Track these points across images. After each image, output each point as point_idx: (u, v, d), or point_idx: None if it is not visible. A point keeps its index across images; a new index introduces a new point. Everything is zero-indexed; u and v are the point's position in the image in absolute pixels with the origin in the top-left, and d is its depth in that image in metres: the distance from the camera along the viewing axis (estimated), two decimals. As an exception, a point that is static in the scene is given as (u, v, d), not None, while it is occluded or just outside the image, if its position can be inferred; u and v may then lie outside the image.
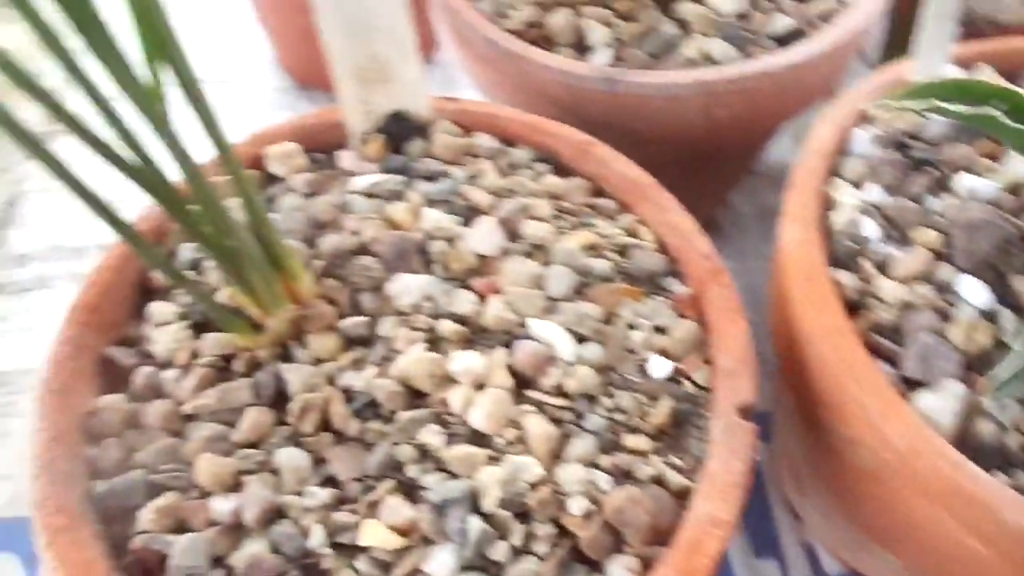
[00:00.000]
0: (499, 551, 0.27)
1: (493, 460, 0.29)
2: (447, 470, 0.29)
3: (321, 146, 0.40)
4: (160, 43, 0.24)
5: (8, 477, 0.50)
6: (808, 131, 0.39)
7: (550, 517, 0.28)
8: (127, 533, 0.29)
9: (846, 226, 0.35)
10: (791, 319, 0.34)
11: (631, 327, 0.33)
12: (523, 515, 0.28)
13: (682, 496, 0.29)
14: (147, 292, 0.35)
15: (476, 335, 0.32)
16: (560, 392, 0.30)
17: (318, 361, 0.32)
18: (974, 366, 0.31)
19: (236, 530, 0.28)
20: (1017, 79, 0.41)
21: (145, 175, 0.26)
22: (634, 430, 0.30)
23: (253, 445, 0.30)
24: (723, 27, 0.45)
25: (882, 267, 0.34)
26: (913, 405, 0.30)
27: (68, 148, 0.24)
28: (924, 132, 0.38)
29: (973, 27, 0.47)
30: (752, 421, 0.30)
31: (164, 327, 0.33)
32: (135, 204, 0.33)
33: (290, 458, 0.29)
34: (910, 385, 0.31)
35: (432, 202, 0.36)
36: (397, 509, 0.28)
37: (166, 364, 0.33)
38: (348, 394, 0.31)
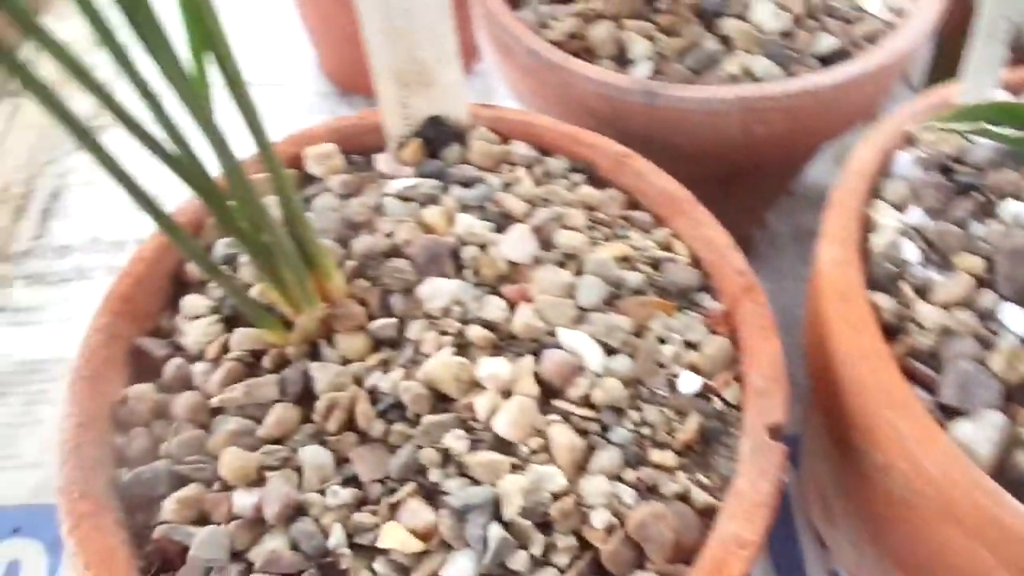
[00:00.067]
0: (519, 561, 0.27)
1: (516, 468, 0.29)
2: (470, 476, 0.28)
3: (359, 148, 0.40)
4: (206, 36, 0.24)
5: (37, 464, 0.50)
6: (849, 152, 0.39)
7: (572, 529, 0.28)
8: (149, 522, 0.29)
9: (886, 248, 0.35)
10: (826, 340, 0.33)
11: (662, 341, 0.32)
12: (544, 525, 0.28)
13: (707, 514, 0.28)
14: (181, 285, 0.36)
15: (504, 342, 0.32)
16: (587, 403, 0.30)
17: (346, 361, 0.32)
18: (1015, 396, 0.30)
19: (257, 525, 0.28)
20: (1068, 106, 0.40)
21: (187, 167, 0.26)
22: (661, 445, 0.30)
23: (278, 441, 0.30)
24: (766, 44, 0.45)
25: (922, 291, 0.33)
26: (950, 433, 0.29)
27: (113, 143, 0.25)
28: (969, 156, 0.38)
29: (1023, 52, 0.47)
30: (782, 441, 0.29)
31: (196, 320, 0.33)
32: (173, 200, 0.34)
33: (313, 456, 0.29)
34: (947, 413, 0.30)
35: (466, 207, 0.36)
36: (418, 512, 0.28)
37: (196, 357, 0.33)
38: (374, 395, 0.31)
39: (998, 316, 0.31)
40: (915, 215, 0.36)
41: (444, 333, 0.31)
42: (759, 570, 0.43)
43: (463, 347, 0.31)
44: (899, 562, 0.34)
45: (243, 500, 0.28)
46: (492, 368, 0.30)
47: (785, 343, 0.32)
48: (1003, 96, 0.40)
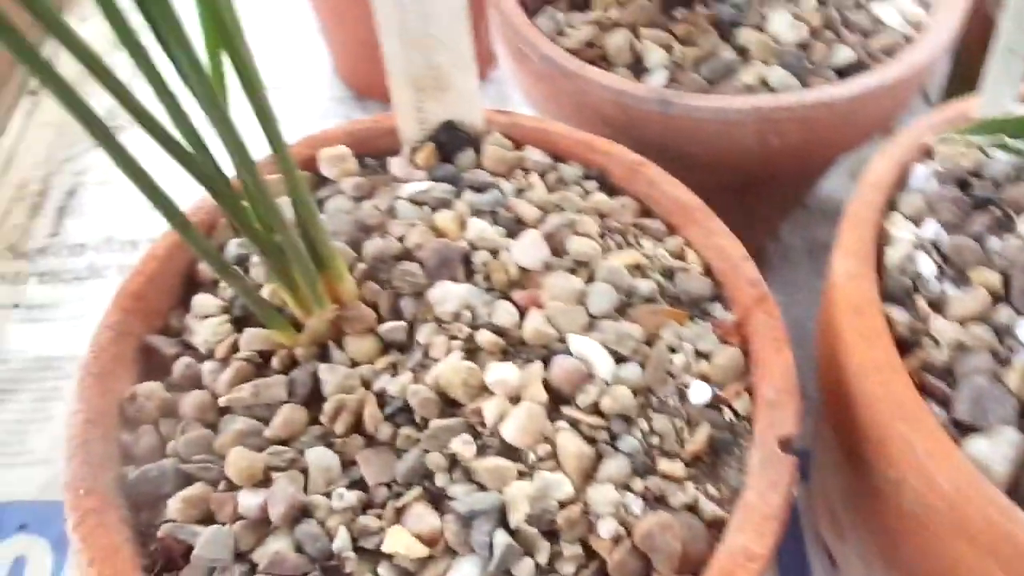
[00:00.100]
0: (524, 568, 0.26)
1: (523, 475, 0.28)
2: (476, 482, 0.28)
3: (373, 152, 0.40)
4: (223, 34, 0.24)
5: (46, 461, 0.51)
6: (865, 166, 0.38)
7: (578, 537, 0.27)
8: (154, 521, 0.29)
9: (901, 262, 0.34)
10: (839, 353, 0.33)
11: (672, 350, 0.32)
12: (551, 533, 0.27)
13: (716, 526, 0.28)
14: (192, 284, 0.36)
15: (514, 347, 0.32)
16: (596, 411, 0.30)
17: (355, 363, 0.32)
18: (1031, 413, 0.29)
19: (261, 526, 0.28)
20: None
21: (202, 166, 0.26)
22: (670, 455, 0.29)
23: (284, 442, 0.30)
24: (783, 55, 0.45)
25: (937, 305, 0.33)
26: (964, 449, 0.29)
27: (129, 144, 0.25)
28: (986, 170, 0.37)
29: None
30: (792, 454, 0.29)
31: (206, 319, 0.34)
32: (185, 202, 0.34)
33: (320, 458, 0.29)
34: (961, 429, 0.30)
35: (479, 212, 0.36)
36: (423, 517, 0.28)
37: (206, 356, 0.33)
38: (382, 398, 0.31)
39: (1015, 332, 0.31)
40: (931, 229, 0.36)
41: (454, 337, 0.31)
42: (767, 585, 0.43)
43: (472, 352, 0.31)
44: (910, 579, 0.33)
45: (248, 500, 0.28)
46: (501, 374, 0.30)
47: (797, 356, 0.32)
48: (1022, 110, 0.40)
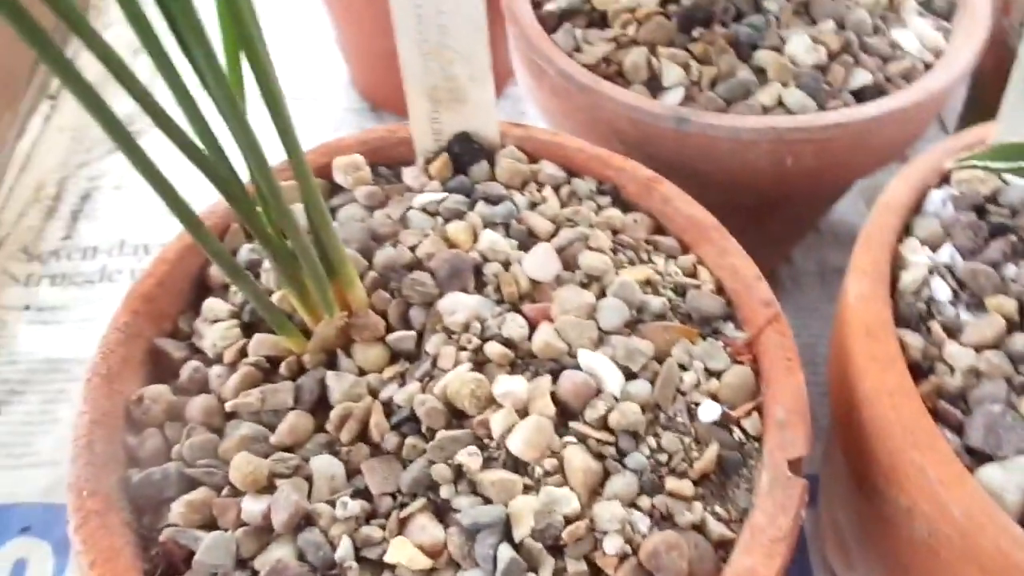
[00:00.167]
0: (527, 583, 0.26)
1: (529, 489, 0.28)
2: (481, 494, 0.28)
3: (387, 161, 0.40)
4: (242, 31, 0.24)
5: (51, 463, 0.50)
6: (880, 191, 0.38)
7: (583, 554, 0.27)
8: (157, 525, 0.29)
9: (916, 286, 0.34)
10: (851, 376, 0.32)
11: (682, 367, 0.32)
12: (555, 549, 0.27)
13: (723, 546, 0.28)
14: (203, 288, 0.36)
15: (523, 360, 0.31)
16: (604, 426, 0.30)
17: (362, 372, 0.32)
18: (1046, 443, 0.29)
19: (264, 533, 0.28)
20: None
21: (218, 169, 0.26)
22: (678, 473, 0.29)
23: (290, 449, 0.30)
24: (800, 77, 0.45)
25: (951, 331, 0.33)
26: (977, 477, 0.28)
27: (146, 148, 0.25)
28: (1003, 197, 0.37)
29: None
30: (802, 476, 0.29)
31: (215, 324, 0.33)
32: (198, 207, 0.34)
33: (324, 466, 0.29)
34: (974, 456, 0.29)
35: (491, 224, 0.36)
36: (427, 529, 0.27)
37: (214, 360, 0.33)
38: (389, 407, 0.30)
39: (1030, 360, 0.31)
40: (947, 253, 0.35)
41: (462, 348, 0.31)
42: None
43: (481, 363, 0.31)
44: (919, 609, 0.33)
45: (252, 507, 0.28)
46: (509, 386, 0.30)
47: (806, 381, 0.31)
48: (1041, 137, 0.39)
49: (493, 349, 0.31)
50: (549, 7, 0.49)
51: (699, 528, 0.28)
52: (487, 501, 0.28)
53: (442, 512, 0.28)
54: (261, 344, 0.32)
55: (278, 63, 0.26)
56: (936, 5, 0.51)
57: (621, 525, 0.27)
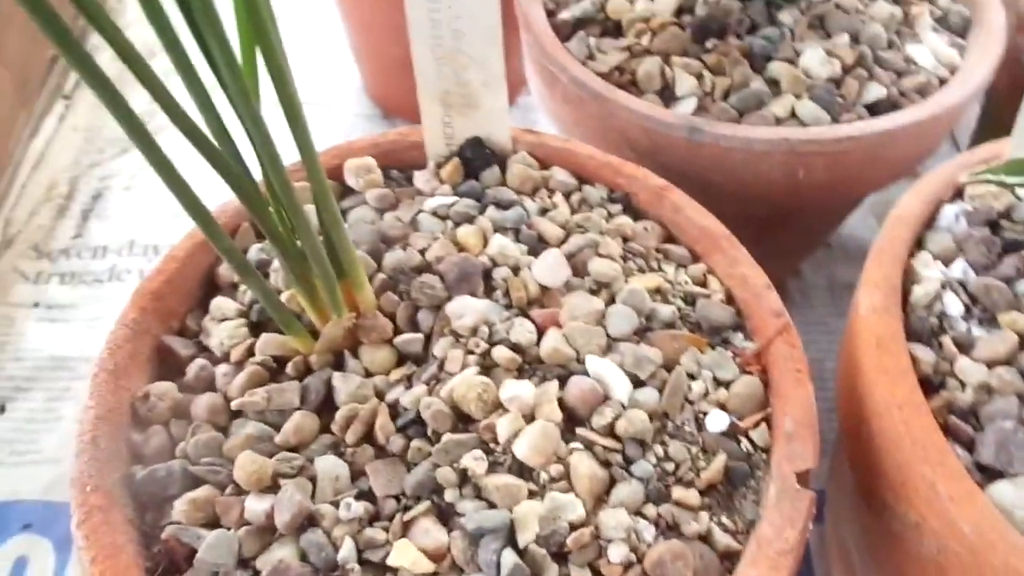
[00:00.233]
0: (530, 590, 0.26)
1: (534, 494, 0.28)
2: (486, 499, 0.28)
3: (398, 165, 0.40)
4: (258, 29, 0.24)
5: (55, 460, 0.50)
6: (891, 207, 0.38)
7: (587, 561, 0.27)
8: (159, 522, 0.29)
9: (928, 300, 0.34)
10: (860, 389, 0.32)
11: (691, 376, 0.32)
12: (559, 555, 0.27)
13: (728, 558, 0.27)
14: (211, 287, 0.36)
15: (530, 365, 0.31)
16: (611, 433, 0.29)
17: (369, 373, 0.31)
18: (1058, 460, 0.29)
19: (267, 532, 0.28)
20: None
21: (231, 167, 0.26)
22: (684, 482, 0.29)
23: (294, 449, 0.30)
24: (814, 89, 0.45)
25: (963, 346, 0.32)
26: (987, 494, 0.28)
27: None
28: (1017, 213, 0.37)
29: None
30: (810, 488, 0.28)
31: (223, 322, 0.33)
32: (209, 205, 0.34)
33: (329, 467, 0.29)
34: (985, 473, 0.29)
35: (501, 229, 0.36)
36: (430, 532, 0.27)
37: (221, 359, 0.33)
38: (395, 409, 0.30)
39: (1043, 377, 0.30)
40: (959, 268, 0.35)
41: (470, 352, 0.31)
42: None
43: (488, 368, 0.31)
44: (926, 627, 0.32)
45: (255, 506, 0.28)
46: (516, 391, 0.30)
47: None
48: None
49: (501, 354, 0.31)
50: (563, 15, 0.49)
51: (705, 538, 0.28)
52: (492, 506, 0.28)
53: (446, 516, 0.28)
54: (268, 344, 0.32)
55: (291, 68, 0.26)
56: (951, 21, 0.50)
57: (626, 533, 0.27)
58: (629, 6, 0.49)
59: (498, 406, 0.30)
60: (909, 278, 0.35)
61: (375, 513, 0.28)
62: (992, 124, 0.60)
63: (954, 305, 0.34)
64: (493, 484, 0.28)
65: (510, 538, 0.27)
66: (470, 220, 0.36)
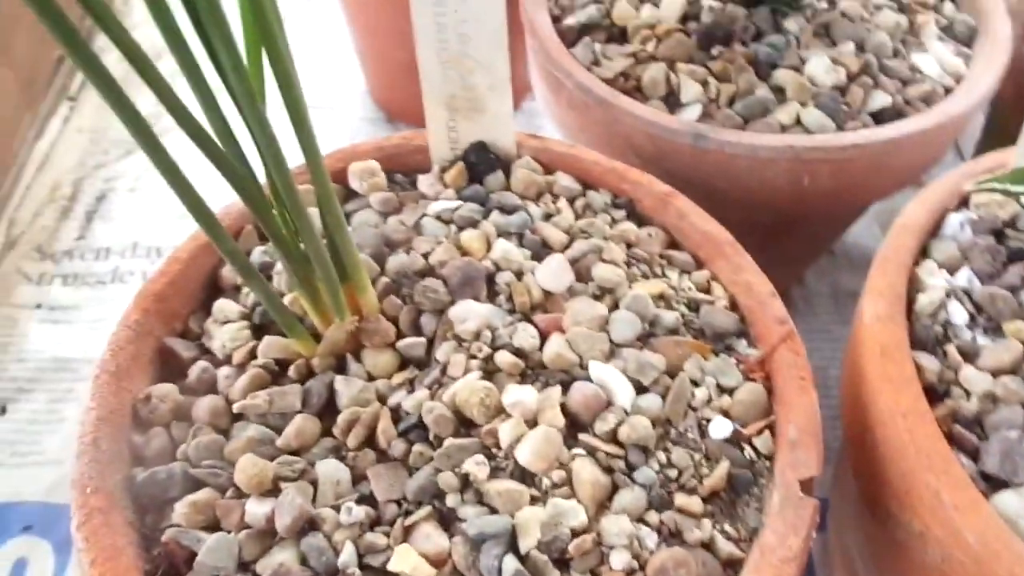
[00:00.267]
0: (532, 596, 0.26)
1: (536, 500, 0.28)
2: (488, 504, 0.28)
3: (402, 168, 0.40)
4: (264, 31, 0.24)
5: (57, 462, 0.50)
6: (895, 215, 0.38)
7: (589, 568, 0.27)
8: (159, 524, 0.29)
9: (933, 308, 0.34)
10: (864, 396, 0.32)
11: (694, 383, 0.31)
12: (561, 562, 0.27)
13: (731, 565, 0.27)
14: (214, 289, 0.36)
15: (533, 370, 0.31)
16: (613, 439, 0.29)
17: (371, 377, 0.31)
18: (1063, 470, 0.28)
19: (267, 536, 0.28)
20: None
21: (235, 168, 0.26)
22: (687, 489, 0.29)
23: (296, 452, 0.30)
24: (819, 97, 0.44)
25: (968, 355, 0.32)
26: (992, 503, 0.28)
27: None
28: (1022, 221, 0.37)
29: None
30: (813, 496, 0.28)
31: (226, 325, 0.33)
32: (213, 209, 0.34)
33: (330, 470, 0.29)
34: (989, 482, 0.29)
35: (505, 234, 0.36)
36: (432, 537, 0.27)
37: (223, 361, 0.33)
38: (397, 414, 0.30)
39: (1049, 386, 0.30)
40: (964, 277, 0.35)
41: (473, 357, 0.31)
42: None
43: (491, 373, 0.31)
44: (929, 638, 0.32)
45: (256, 509, 0.28)
46: (519, 396, 0.29)
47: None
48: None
49: (503, 358, 0.31)
50: (569, 21, 0.49)
51: (708, 546, 0.27)
52: (493, 511, 0.27)
53: (447, 521, 0.28)
54: (271, 346, 0.32)
55: (296, 71, 0.26)
56: (957, 31, 0.50)
57: (629, 540, 0.27)
58: (635, 12, 0.49)
59: (500, 411, 0.30)
60: (914, 286, 0.35)
61: (376, 518, 0.28)
62: (997, 133, 0.60)
63: (959, 314, 0.34)
64: (495, 489, 0.28)
65: (512, 544, 0.27)
66: (474, 224, 0.36)
